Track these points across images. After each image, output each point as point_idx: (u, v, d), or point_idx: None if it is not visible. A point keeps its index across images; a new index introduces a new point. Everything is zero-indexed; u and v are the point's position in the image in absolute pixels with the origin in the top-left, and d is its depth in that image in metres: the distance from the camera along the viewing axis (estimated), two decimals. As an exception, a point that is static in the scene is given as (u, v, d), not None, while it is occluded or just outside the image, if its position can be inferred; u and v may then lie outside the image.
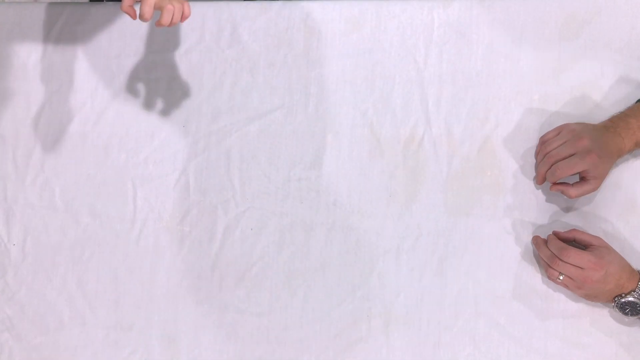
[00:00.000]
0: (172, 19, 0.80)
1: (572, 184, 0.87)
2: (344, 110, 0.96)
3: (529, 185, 0.94)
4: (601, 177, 0.85)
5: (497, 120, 0.95)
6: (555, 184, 0.88)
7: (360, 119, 0.96)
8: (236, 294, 0.95)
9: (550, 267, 0.86)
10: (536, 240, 0.91)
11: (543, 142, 0.91)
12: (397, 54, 0.97)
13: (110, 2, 1.01)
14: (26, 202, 0.98)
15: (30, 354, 0.96)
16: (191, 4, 0.99)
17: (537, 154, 0.92)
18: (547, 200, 0.93)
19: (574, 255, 0.83)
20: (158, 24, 0.80)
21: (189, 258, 0.96)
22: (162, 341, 0.95)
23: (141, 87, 0.98)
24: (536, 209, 0.93)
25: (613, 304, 0.85)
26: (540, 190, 0.93)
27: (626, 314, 0.85)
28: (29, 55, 1.00)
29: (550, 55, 0.95)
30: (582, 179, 0.86)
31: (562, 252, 0.84)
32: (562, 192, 0.88)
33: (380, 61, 0.97)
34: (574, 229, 0.89)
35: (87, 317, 0.96)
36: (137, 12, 0.78)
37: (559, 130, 0.89)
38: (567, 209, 0.93)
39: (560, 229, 0.91)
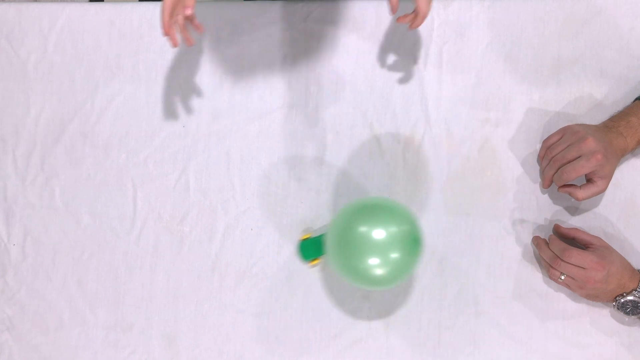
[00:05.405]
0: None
1: (580, 186, 0.86)
2: (344, 110, 0.96)
3: (529, 185, 0.94)
4: (608, 178, 0.84)
5: (497, 120, 0.95)
6: (562, 186, 0.87)
7: (361, 119, 0.96)
8: (236, 294, 0.95)
9: (552, 267, 0.86)
10: (537, 240, 0.90)
11: (547, 146, 0.89)
12: (397, 54, 0.97)
13: (110, 2, 1.01)
14: (26, 202, 0.98)
15: (30, 354, 0.96)
16: (191, 4, 0.99)
17: (540, 157, 0.92)
18: (547, 201, 0.93)
19: (576, 256, 0.83)
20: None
21: (189, 258, 0.96)
22: (162, 341, 0.95)
23: (141, 87, 0.98)
24: (536, 209, 0.93)
25: (614, 304, 0.85)
26: (540, 191, 0.93)
27: (627, 313, 0.85)
28: (29, 55, 1.00)
29: (550, 55, 0.95)
30: (589, 180, 0.85)
31: (564, 253, 0.84)
32: (570, 194, 0.87)
33: (380, 61, 0.97)
34: (575, 228, 0.89)
35: (87, 317, 0.96)
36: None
37: (562, 133, 0.88)
38: (567, 209, 0.93)
39: (561, 229, 0.91)
